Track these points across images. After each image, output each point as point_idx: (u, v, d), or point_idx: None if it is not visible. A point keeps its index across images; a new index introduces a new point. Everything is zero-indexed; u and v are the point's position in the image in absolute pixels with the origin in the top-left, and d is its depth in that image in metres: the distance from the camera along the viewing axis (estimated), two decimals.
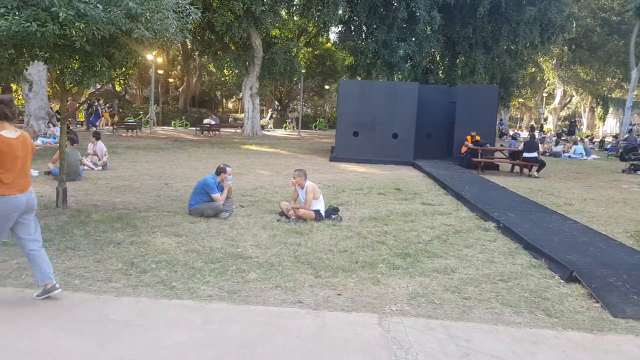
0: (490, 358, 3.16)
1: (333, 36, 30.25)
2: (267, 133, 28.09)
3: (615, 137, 27.30)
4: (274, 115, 36.08)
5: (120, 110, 29.79)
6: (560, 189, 11.01)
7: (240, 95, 30.53)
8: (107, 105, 27.94)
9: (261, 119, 28.94)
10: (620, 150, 19.18)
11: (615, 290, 4.33)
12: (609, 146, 23.93)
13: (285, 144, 20.98)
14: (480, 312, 3.89)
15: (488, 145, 14.74)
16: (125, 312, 3.60)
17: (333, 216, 6.75)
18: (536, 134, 30.55)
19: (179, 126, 29.80)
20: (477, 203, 8.11)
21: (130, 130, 22.00)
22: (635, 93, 29.07)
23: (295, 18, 27.30)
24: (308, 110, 47.34)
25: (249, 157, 15.00)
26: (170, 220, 6.35)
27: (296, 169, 7.04)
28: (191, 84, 36.61)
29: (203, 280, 4.31)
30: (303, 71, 28.77)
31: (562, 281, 4.65)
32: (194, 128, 26.34)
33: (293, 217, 6.50)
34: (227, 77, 34.55)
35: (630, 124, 39.14)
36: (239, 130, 27.16)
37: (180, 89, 38.38)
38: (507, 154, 15.18)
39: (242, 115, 28.14)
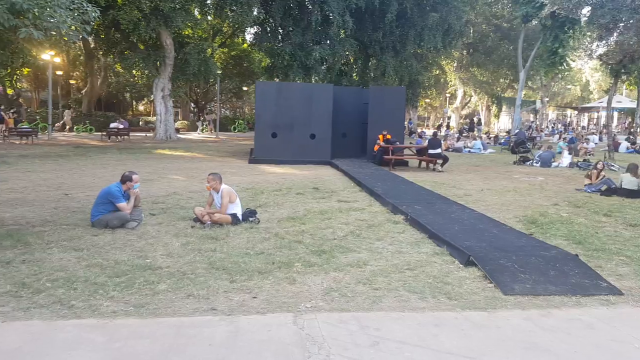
0: (397, 344, 3.35)
1: (249, 37, 29.99)
2: (182, 136, 27.21)
3: (508, 132, 29.85)
4: (208, 118, 35.05)
5: (13, 115, 27.26)
6: (461, 181, 11.86)
7: (152, 97, 29.31)
8: (12, 110, 25.49)
9: (175, 121, 28.02)
10: (512, 144, 21.02)
11: (506, 270, 4.78)
12: (502, 141, 26.08)
13: (202, 147, 20.48)
14: (389, 301, 4.11)
15: (398, 143, 15.49)
16: (13, 339, 3.28)
17: (250, 219, 6.73)
18: (443, 131, 32.55)
19: (83, 131, 27.92)
20: (388, 198, 8.52)
21: (24, 138, 20.19)
22: (523, 92, 31.96)
23: (209, 18, 26.74)
24: (227, 112, 46.47)
25: (162, 162, 14.46)
26: (69, 234, 5.92)
27: (210, 172, 6.94)
28: (95, 85, 34.40)
29: (106, 296, 4.07)
30: (219, 72, 28.24)
31: (461, 266, 5.04)
32: (100, 133, 24.82)
33: (208, 222, 6.39)
34: (136, 78, 32.92)
35: (531, 121, 43.00)
36: (150, 134, 26.05)
37: (83, 91, 35.93)
38: (415, 151, 16.06)
39: (154, 118, 27.02)
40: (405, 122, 28.71)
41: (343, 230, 6.46)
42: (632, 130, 33.97)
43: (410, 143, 19.75)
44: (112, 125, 25.12)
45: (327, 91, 16.15)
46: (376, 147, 15.32)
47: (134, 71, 28.00)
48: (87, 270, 4.68)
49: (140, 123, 33.76)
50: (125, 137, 23.69)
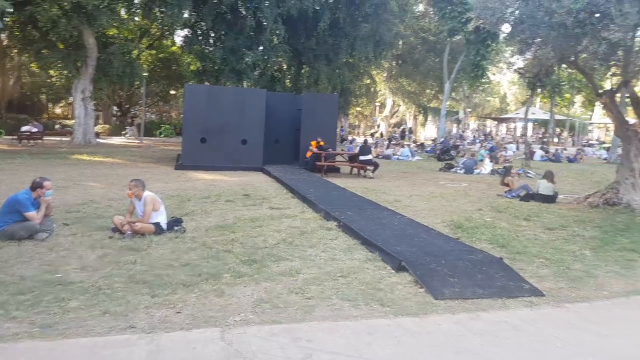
0: (330, 355, 3.26)
1: (179, 40, 28.94)
2: (103, 141, 25.71)
3: (433, 140, 31.15)
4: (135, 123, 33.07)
5: None
6: (391, 187, 12.08)
7: (71, 99, 27.47)
8: None
9: (96, 125, 26.42)
10: (437, 152, 21.91)
11: (436, 275, 4.85)
12: (428, 149, 27.14)
13: (124, 153, 19.41)
14: (322, 311, 4.01)
15: (330, 149, 15.58)
16: None
17: (176, 228, 6.38)
18: (374, 138, 33.28)
19: None
20: (321, 204, 8.45)
21: None
22: (448, 103, 33.56)
23: (136, 18, 25.55)
24: (152, 116, 44.67)
25: (79, 168, 13.44)
26: None
27: (132, 178, 6.51)
28: (7, 85, 31.71)
29: (8, 317, 3.64)
30: (145, 74, 27.05)
31: (393, 271, 5.05)
32: (10, 137, 22.85)
33: (129, 232, 5.95)
34: (54, 79, 30.72)
35: (462, 130, 45.19)
36: (67, 138, 24.41)
37: None
38: (347, 158, 16.23)
39: (73, 121, 25.33)
40: (337, 129, 29.05)
41: (275, 238, 6.29)
42: (545, 139, 36.68)
43: (342, 150, 19.97)
44: (24, 128, 23.18)
45: (260, 96, 15.93)
46: (309, 154, 15.30)
47: (51, 71, 26.13)
48: None
49: (57, 126, 31.48)
50: (39, 141, 21.99)
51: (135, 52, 24.56)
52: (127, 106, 39.12)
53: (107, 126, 34.72)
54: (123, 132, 32.34)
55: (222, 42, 22.14)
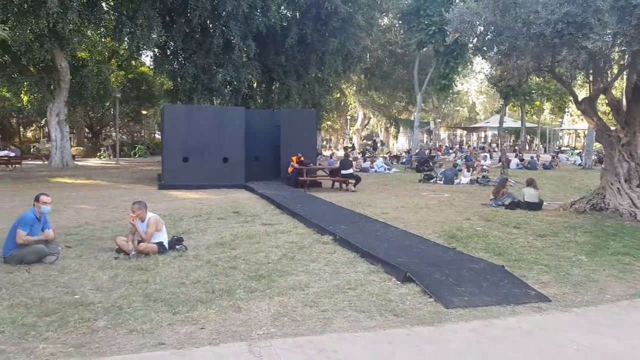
0: None
1: (148, 60, 28.75)
2: (79, 163, 25.20)
3: (408, 152, 31.57)
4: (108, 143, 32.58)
5: None
6: (375, 200, 12.24)
7: (42, 122, 26.82)
8: None
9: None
10: (415, 163, 22.29)
11: (442, 284, 5.00)
12: (403, 160, 27.54)
13: (104, 174, 19.09)
14: (340, 322, 4.11)
15: (311, 164, 15.73)
16: None
17: (177, 247, 6.44)
18: (355, 153, 33.52)
19: None
20: (312, 219, 8.55)
21: None
22: (420, 114, 34.29)
23: (103, 40, 25.27)
24: (123, 136, 44.18)
25: (65, 191, 13.17)
26: None
27: (135, 201, 6.53)
28: None
29: (40, 338, 3.69)
30: (118, 95, 26.77)
31: (398, 282, 5.17)
32: None
33: (133, 252, 5.99)
34: (28, 104, 30.08)
35: (445, 141, 45.71)
36: (43, 162, 23.97)
37: None
38: (328, 172, 16.41)
39: (47, 145, 24.79)
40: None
41: (276, 254, 6.38)
42: (516, 147, 37.51)
43: (321, 164, 20.14)
44: (2, 153, 22.78)
45: (239, 114, 16.04)
46: (290, 169, 15.41)
47: (25, 97, 25.69)
48: (12, 311, 4.21)
49: (32, 150, 30.83)
50: (17, 165, 21.55)
51: (107, 72, 24.30)
52: (98, 127, 38.48)
53: (81, 148, 34.15)
54: (99, 154, 31.83)
55: (193, 61, 22.16)
